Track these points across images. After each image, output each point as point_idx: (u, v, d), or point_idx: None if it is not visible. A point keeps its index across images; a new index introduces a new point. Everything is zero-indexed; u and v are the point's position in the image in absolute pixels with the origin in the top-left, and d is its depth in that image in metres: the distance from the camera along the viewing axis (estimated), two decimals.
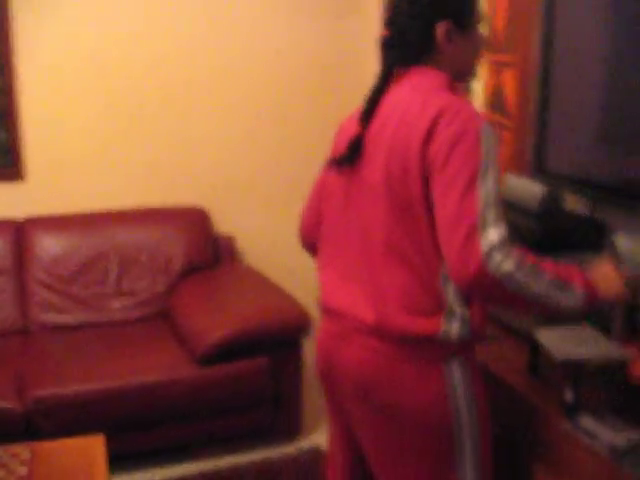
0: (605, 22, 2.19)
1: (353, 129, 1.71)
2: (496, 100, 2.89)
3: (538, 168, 2.45)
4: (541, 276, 1.49)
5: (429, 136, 1.55)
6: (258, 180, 3.84)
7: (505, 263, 1.44)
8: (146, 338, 3.12)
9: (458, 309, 1.58)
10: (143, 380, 2.78)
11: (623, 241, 2.03)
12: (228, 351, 2.89)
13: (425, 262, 1.57)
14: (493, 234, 1.45)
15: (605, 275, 1.63)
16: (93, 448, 2.20)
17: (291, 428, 3.16)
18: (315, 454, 3.07)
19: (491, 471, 1.71)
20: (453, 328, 1.58)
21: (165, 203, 3.60)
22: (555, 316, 1.78)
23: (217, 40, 3.64)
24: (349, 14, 3.83)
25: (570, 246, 2.10)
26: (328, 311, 1.77)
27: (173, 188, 3.64)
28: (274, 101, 3.79)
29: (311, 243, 1.94)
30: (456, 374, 1.62)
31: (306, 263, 3.68)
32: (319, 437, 3.20)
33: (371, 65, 3.71)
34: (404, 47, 1.68)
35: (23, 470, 2.03)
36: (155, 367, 2.85)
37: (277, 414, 3.09)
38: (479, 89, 3.00)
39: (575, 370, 1.70)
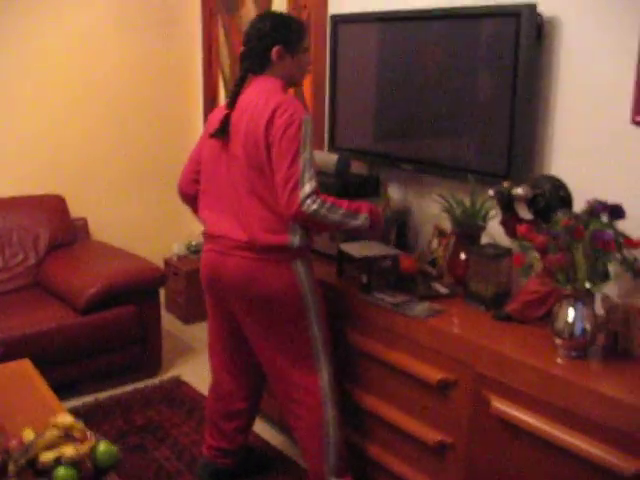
0: (369, 50, 3.12)
1: (221, 114, 2.48)
2: (297, 98, 3.74)
3: (332, 145, 3.36)
4: (337, 210, 2.35)
5: (269, 122, 2.32)
6: (105, 172, 4.42)
7: (313, 205, 2.28)
8: (29, 302, 3.64)
9: (297, 228, 2.39)
10: (38, 329, 3.34)
11: (390, 188, 3.03)
12: (101, 302, 3.51)
13: (274, 201, 2.35)
14: (307, 188, 2.28)
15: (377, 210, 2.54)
16: (26, 370, 2.64)
17: (155, 363, 3.83)
18: (176, 382, 3.74)
19: (328, 331, 2.56)
20: (295, 240, 2.40)
21: (29, 192, 4.09)
22: (352, 234, 2.69)
23: (79, 52, 4.18)
24: (173, 29, 4.53)
25: (358, 194, 3.04)
26: (212, 236, 2.51)
27: (34, 178, 4.14)
28: (116, 102, 4.37)
29: (189, 195, 2.66)
30: (300, 269, 2.45)
31: (147, 236, 4.48)
32: (177, 370, 3.90)
33: (194, 68, 4.52)
34: (253, 60, 2.46)
35: None
36: (44, 319, 3.40)
37: (143, 353, 3.74)
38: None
39: (367, 263, 2.64)
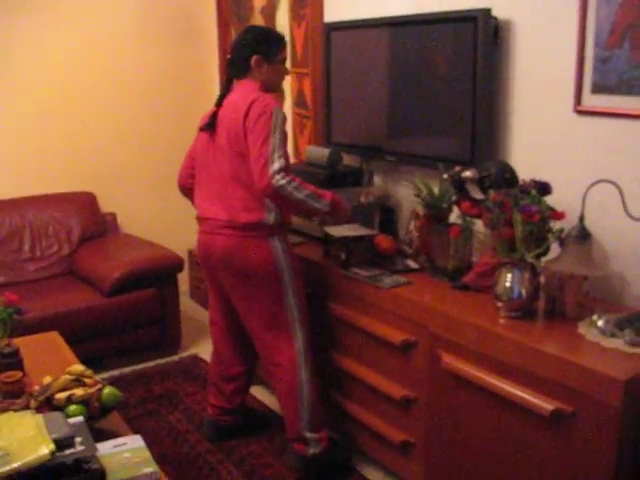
0: (356, 54, 3.46)
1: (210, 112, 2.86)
2: (299, 99, 4.09)
3: (328, 140, 3.70)
4: (303, 190, 2.67)
5: (246, 114, 2.68)
6: (132, 171, 4.84)
7: (281, 180, 2.61)
8: (62, 286, 4.08)
9: (272, 207, 2.73)
10: (68, 309, 3.78)
11: (376, 178, 3.36)
12: (125, 286, 3.93)
13: (252, 183, 2.68)
14: (276, 165, 2.61)
15: (345, 203, 2.89)
16: (54, 340, 2.98)
17: (174, 342, 4.24)
18: (194, 359, 4.14)
19: (304, 302, 2.89)
20: (270, 217, 2.75)
21: (63, 190, 4.54)
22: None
23: (101, 60, 4.59)
24: (192, 38, 4.96)
25: (346, 184, 3.39)
26: (203, 219, 2.88)
27: (68, 178, 4.58)
28: (142, 107, 4.79)
29: (186, 188, 3.05)
30: (277, 245, 2.79)
31: (171, 229, 4.85)
32: (196, 349, 4.30)
33: (212, 73, 4.91)
34: (236, 67, 2.86)
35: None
36: (75, 300, 3.84)
37: (163, 332, 4.15)
38: (288, 92, 4.24)
39: (346, 243, 2.99)
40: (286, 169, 2.66)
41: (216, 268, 2.89)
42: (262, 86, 2.84)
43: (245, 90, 2.82)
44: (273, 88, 2.95)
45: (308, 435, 2.90)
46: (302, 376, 2.87)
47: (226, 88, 2.90)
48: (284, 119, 2.73)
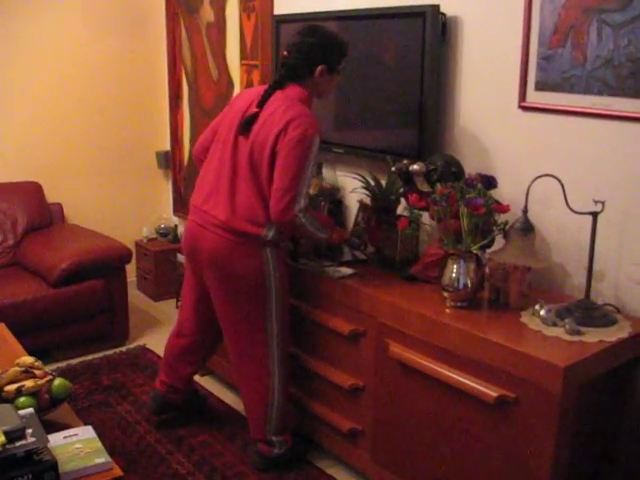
0: None
1: (251, 101, 2.68)
2: None
3: None
4: (314, 223, 2.65)
5: (282, 132, 2.53)
6: (78, 160, 4.77)
7: (302, 218, 2.57)
8: (7, 277, 4.00)
9: (273, 226, 2.65)
10: (14, 300, 3.72)
11: (324, 170, 3.40)
12: (72, 277, 3.89)
13: (263, 198, 2.60)
14: (302, 203, 2.56)
15: (340, 230, 2.93)
16: (1, 333, 2.92)
17: (122, 333, 4.21)
18: (142, 350, 4.13)
19: (286, 316, 2.85)
20: (269, 233, 2.66)
21: (7, 179, 4.45)
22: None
23: (46, 51, 4.52)
24: (140, 29, 4.90)
25: None
26: (197, 208, 2.75)
27: (13, 167, 4.50)
28: (89, 97, 4.73)
29: (199, 160, 2.90)
30: (269, 256, 2.72)
31: (118, 220, 4.81)
32: (143, 340, 4.29)
33: (160, 63, 4.88)
34: (294, 70, 2.64)
35: None
36: (20, 292, 3.78)
37: (111, 323, 4.12)
38: (237, 84, 4.25)
39: (294, 239, 3.02)
40: (307, 206, 2.62)
41: (201, 262, 2.81)
42: (311, 94, 2.71)
43: (291, 96, 2.65)
44: (322, 96, 2.82)
45: (274, 438, 2.91)
46: (274, 385, 2.85)
47: (274, 89, 2.69)
48: (318, 149, 2.63)
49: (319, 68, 2.64)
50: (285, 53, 2.70)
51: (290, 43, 2.70)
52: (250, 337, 2.82)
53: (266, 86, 2.75)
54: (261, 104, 2.66)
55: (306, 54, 2.64)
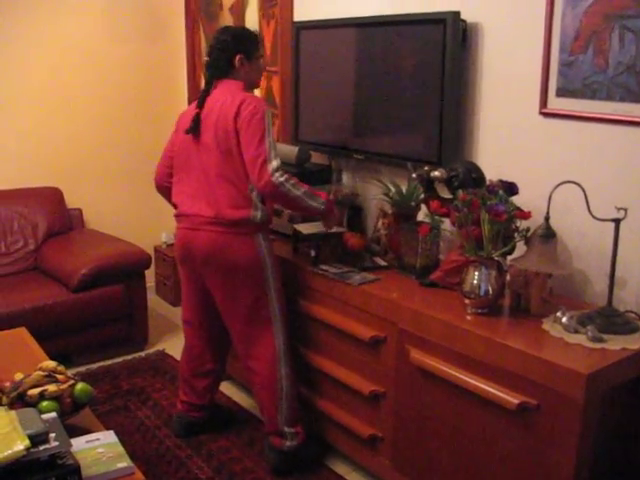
0: (326, 53, 3.50)
1: (192, 113, 2.86)
2: (268, 97, 4.12)
3: (295, 138, 3.73)
4: (299, 188, 2.73)
5: (237, 113, 2.72)
6: (99, 166, 4.80)
7: (280, 177, 2.66)
8: (28, 282, 4.04)
9: (259, 204, 2.78)
10: (35, 305, 3.75)
11: (344, 176, 3.40)
12: (92, 282, 3.91)
13: (240, 180, 2.74)
14: (274, 163, 2.67)
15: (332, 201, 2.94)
16: (21, 336, 2.96)
17: (141, 338, 4.23)
18: (161, 355, 4.15)
19: (284, 299, 2.93)
20: (257, 214, 2.78)
21: (29, 185, 4.48)
22: (307, 213, 3.00)
23: (67, 56, 4.55)
24: (161, 35, 4.94)
25: (315, 181, 3.41)
26: (185, 215, 2.87)
27: (34, 173, 4.54)
28: (109, 103, 4.76)
29: (164, 187, 3.06)
30: (262, 243, 2.82)
31: (138, 225, 4.84)
32: (163, 344, 4.31)
33: (180, 70, 4.91)
34: (217, 68, 2.87)
35: None
36: (41, 297, 3.81)
37: (130, 328, 4.14)
38: (256, 91, 4.24)
39: (315, 239, 3.02)
40: (283, 167, 2.72)
41: (198, 263, 2.88)
42: (245, 85, 2.89)
43: (230, 89, 2.84)
44: (254, 85, 3.03)
45: (286, 429, 2.95)
46: (281, 371, 2.92)
47: (207, 90, 2.90)
48: (272, 121, 2.80)
49: (237, 57, 2.86)
50: (206, 58, 2.96)
51: (208, 47, 2.96)
52: (256, 326, 2.90)
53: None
54: (200, 104, 2.86)
55: (222, 50, 2.87)
